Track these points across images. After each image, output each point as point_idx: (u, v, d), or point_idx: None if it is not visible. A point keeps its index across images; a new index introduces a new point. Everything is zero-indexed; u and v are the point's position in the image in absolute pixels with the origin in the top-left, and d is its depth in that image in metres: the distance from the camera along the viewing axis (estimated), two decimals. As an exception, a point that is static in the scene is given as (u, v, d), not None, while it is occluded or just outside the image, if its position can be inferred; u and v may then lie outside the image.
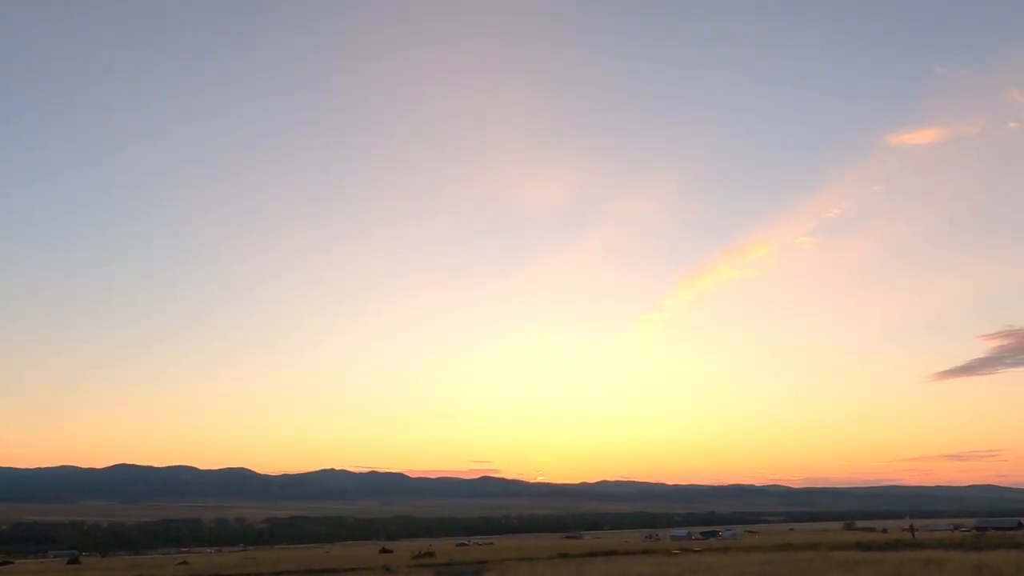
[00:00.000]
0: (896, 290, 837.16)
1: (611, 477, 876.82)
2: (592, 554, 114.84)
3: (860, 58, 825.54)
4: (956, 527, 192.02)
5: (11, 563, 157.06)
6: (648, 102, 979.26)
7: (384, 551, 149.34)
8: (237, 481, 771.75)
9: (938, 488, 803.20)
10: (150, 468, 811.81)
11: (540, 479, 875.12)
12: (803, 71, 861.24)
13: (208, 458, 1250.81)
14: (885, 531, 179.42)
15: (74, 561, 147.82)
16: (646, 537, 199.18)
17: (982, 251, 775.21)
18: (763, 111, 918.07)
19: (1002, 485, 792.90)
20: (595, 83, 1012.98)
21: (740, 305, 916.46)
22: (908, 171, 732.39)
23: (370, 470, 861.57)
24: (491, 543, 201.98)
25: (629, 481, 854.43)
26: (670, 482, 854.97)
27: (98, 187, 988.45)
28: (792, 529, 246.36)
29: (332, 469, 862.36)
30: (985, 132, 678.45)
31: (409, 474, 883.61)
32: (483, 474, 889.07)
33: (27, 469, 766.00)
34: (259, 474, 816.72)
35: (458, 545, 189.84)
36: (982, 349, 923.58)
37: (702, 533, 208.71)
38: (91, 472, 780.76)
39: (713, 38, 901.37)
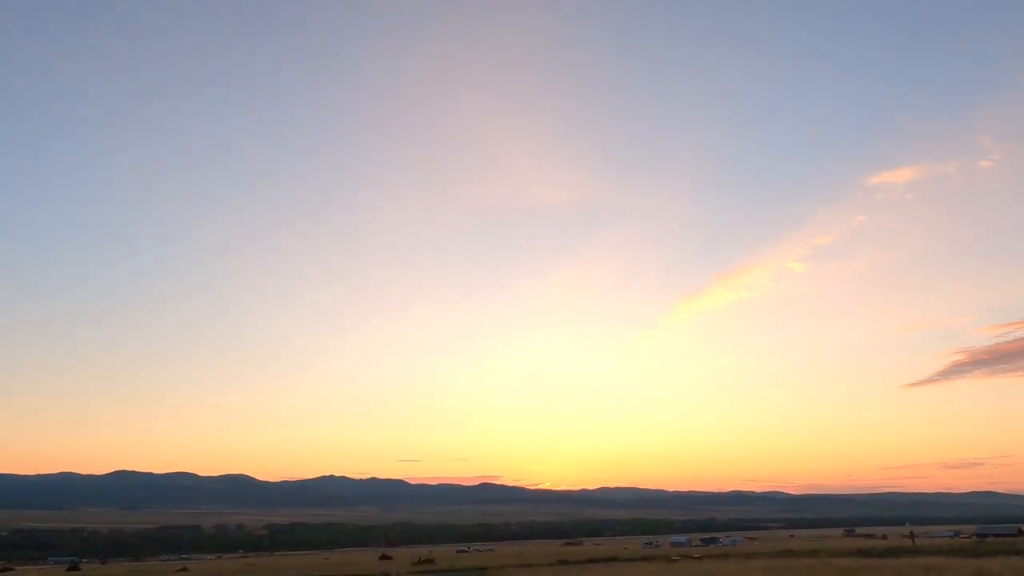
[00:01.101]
0: (878, 308, 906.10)
1: (611, 484, 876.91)
2: (592, 560, 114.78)
3: (843, 109, 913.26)
4: (956, 534, 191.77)
5: (11, 569, 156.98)
6: (650, 141, 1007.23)
7: (384, 557, 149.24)
8: (237, 488, 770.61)
9: (937, 495, 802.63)
10: (150, 474, 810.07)
11: (540, 486, 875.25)
12: (795, 120, 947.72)
13: (208, 465, 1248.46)
14: (885, 538, 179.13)
15: (74, 568, 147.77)
16: (646, 544, 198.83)
17: (944, 278, 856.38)
18: (758, 150, 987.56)
19: (1001, 491, 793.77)
20: (594, 119, 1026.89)
21: (737, 321, 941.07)
22: (887, 206, 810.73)
23: (370, 477, 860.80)
24: (491, 549, 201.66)
25: (629, 488, 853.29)
26: (670, 489, 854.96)
27: (100, 192, 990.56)
28: (792, 536, 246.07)
29: (332, 476, 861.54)
30: (959, 172, 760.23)
31: (409, 481, 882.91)
32: (483, 481, 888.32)
33: (27, 475, 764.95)
34: (259, 481, 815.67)
35: (458, 551, 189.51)
36: (941, 363, 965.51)
37: (702, 540, 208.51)
38: (91, 478, 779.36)
39: (718, 84, 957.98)
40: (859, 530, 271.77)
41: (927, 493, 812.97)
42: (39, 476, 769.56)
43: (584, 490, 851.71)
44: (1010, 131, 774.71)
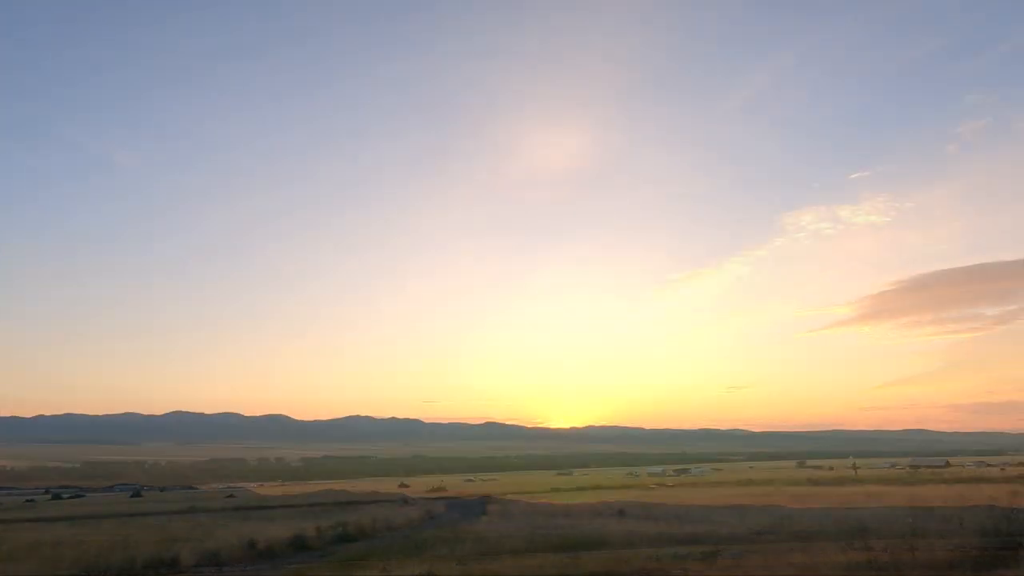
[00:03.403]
0: (788, 299, 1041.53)
1: (598, 423, 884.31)
2: (581, 488, 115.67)
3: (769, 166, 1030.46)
4: (893, 465, 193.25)
5: (83, 495, 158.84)
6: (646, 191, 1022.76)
7: (402, 486, 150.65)
8: (277, 426, 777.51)
9: (876, 432, 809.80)
10: (202, 414, 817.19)
11: (538, 425, 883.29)
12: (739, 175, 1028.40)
13: (252, 406, 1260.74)
14: (832, 469, 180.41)
15: (137, 494, 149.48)
16: (627, 474, 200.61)
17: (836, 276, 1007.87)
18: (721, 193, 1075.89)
19: (933, 430, 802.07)
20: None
21: (699, 306, 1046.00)
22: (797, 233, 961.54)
23: (391, 416, 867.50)
24: (494, 479, 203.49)
25: (613, 426, 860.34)
26: (648, 427, 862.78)
27: (109, 202, 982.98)
28: (752, 467, 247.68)
29: (358, 416, 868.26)
30: (848, 213, 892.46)
31: (425, 420, 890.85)
32: (489, 420, 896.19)
33: (96, 415, 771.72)
34: (296, 420, 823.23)
35: (466, 481, 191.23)
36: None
37: (675, 470, 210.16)
38: (151, 418, 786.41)
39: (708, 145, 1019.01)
40: (810, 462, 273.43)
41: (867, 431, 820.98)
42: (107, 416, 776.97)
43: (574, 428, 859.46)
44: (885, 185, 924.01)
